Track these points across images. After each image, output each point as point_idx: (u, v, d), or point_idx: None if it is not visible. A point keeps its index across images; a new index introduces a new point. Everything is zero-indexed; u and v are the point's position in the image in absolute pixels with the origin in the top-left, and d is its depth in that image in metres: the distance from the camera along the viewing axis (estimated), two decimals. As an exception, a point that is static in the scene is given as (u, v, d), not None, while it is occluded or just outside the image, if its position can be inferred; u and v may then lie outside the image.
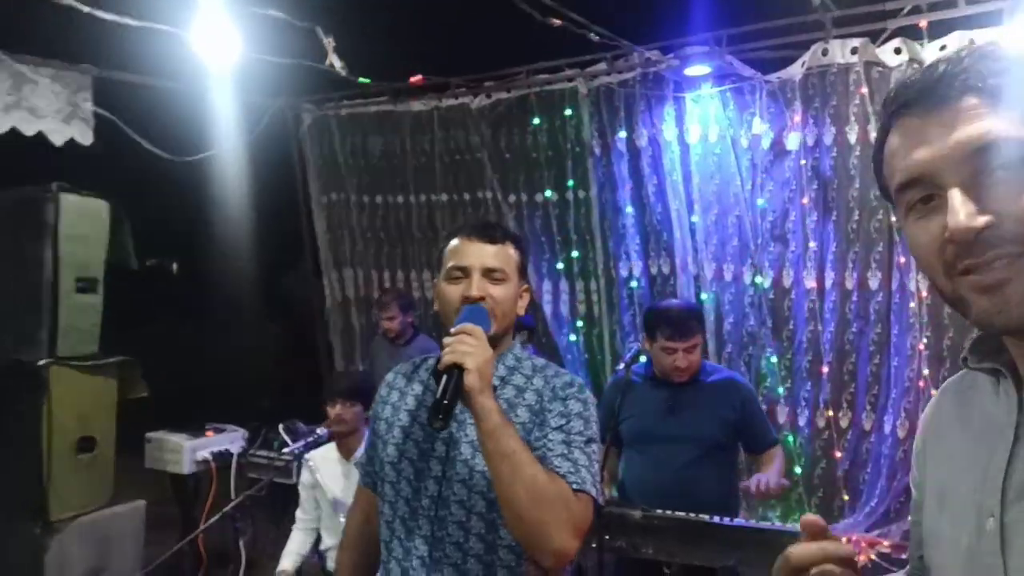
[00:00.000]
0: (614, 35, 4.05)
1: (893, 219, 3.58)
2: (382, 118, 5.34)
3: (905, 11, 3.58)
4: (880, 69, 3.72)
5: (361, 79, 4.59)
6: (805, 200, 3.99)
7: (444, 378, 1.47)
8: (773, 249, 4.12)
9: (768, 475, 2.79)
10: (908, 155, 0.80)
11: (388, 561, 1.71)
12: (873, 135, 0.84)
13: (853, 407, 3.99)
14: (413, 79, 5.04)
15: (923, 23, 3.54)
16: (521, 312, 1.79)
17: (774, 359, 4.12)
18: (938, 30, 3.52)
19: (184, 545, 3.69)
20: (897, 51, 3.65)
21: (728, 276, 4.25)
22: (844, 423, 4.00)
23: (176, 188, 5.31)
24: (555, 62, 4.61)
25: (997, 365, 0.85)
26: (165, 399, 4.09)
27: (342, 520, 2.89)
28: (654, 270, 4.55)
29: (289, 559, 3.43)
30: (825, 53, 3.82)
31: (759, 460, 3.12)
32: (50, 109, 4.10)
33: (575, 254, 4.79)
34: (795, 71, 3.92)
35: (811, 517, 0.84)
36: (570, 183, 4.73)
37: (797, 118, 3.96)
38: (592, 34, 3.94)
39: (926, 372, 3.69)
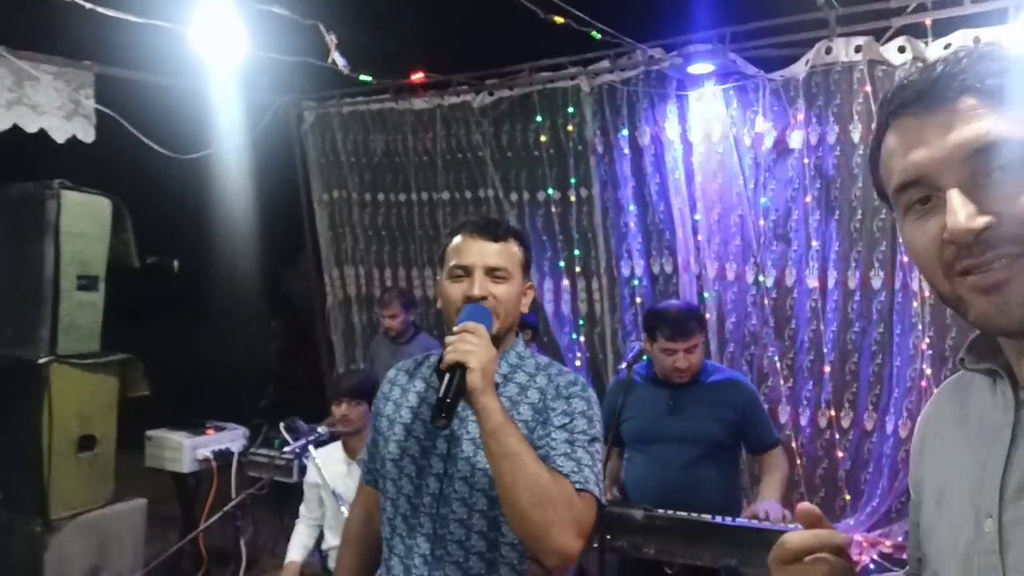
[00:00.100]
0: (617, 33, 4.04)
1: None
2: (384, 116, 5.33)
3: (909, 9, 3.57)
4: (884, 67, 3.71)
5: (363, 77, 4.58)
6: (808, 199, 3.98)
7: (447, 377, 1.46)
8: (776, 248, 4.11)
9: (770, 505, 2.76)
10: (906, 156, 0.80)
11: (390, 558, 1.70)
12: (877, 134, 0.84)
13: (855, 407, 3.98)
14: (415, 77, 5.03)
15: (927, 21, 3.53)
16: (525, 310, 1.78)
17: (776, 358, 4.11)
18: (943, 28, 3.50)
19: (184, 544, 3.69)
20: (901, 49, 3.63)
21: (730, 275, 4.24)
22: (846, 423, 3.99)
23: (177, 185, 5.30)
24: (558, 60, 4.60)
25: (994, 366, 0.85)
26: (166, 397, 4.08)
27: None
28: (656, 269, 4.54)
29: (297, 552, 3.42)
30: (829, 51, 3.81)
31: (760, 461, 3.12)
32: (52, 106, 4.10)
33: (577, 253, 4.78)
34: (799, 69, 3.90)
35: (807, 506, 0.86)
36: (572, 181, 4.72)
37: (800, 116, 3.94)
38: (595, 32, 3.93)
39: (928, 372, 3.68)
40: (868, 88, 3.73)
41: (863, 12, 3.70)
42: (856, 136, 3.81)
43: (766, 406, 3.52)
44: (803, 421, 4.08)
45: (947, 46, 3.44)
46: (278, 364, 7.84)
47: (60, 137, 4.12)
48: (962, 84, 0.77)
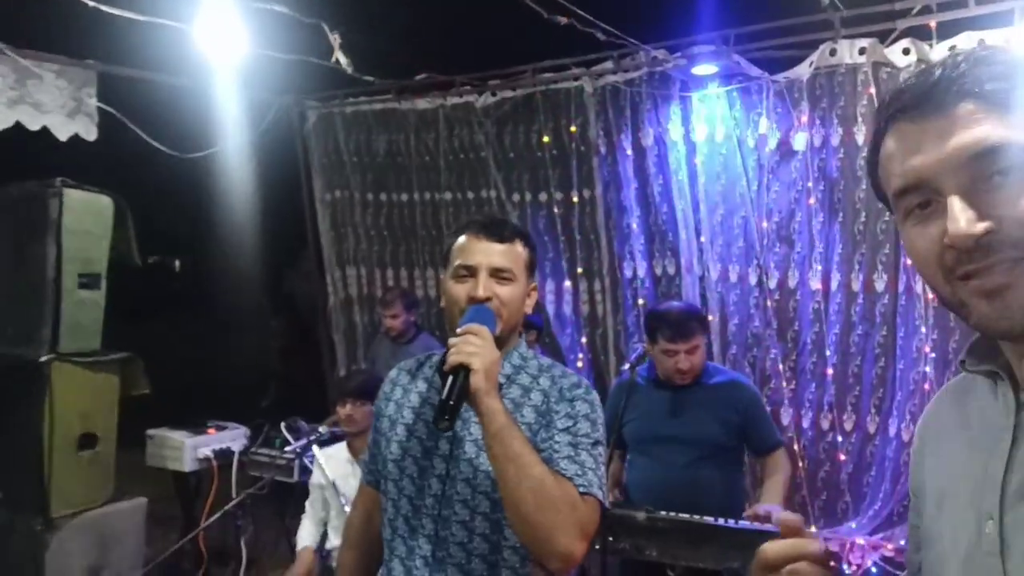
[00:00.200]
0: (621, 34, 4.03)
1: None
2: (387, 116, 5.33)
3: (914, 11, 3.55)
4: (888, 70, 3.70)
5: (366, 76, 4.58)
6: (811, 201, 3.97)
7: (450, 379, 1.45)
8: (779, 250, 4.10)
9: (772, 507, 2.75)
10: (905, 161, 0.80)
11: (391, 560, 1.69)
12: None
13: (858, 410, 3.96)
14: (418, 77, 5.02)
15: (932, 23, 3.51)
16: (529, 311, 1.77)
17: (779, 361, 4.09)
18: (948, 30, 3.49)
19: (185, 543, 3.69)
20: (906, 51, 3.62)
21: (733, 277, 4.22)
22: (848, 426, 3.98)
23: (180, 185, 5.31)
24: (561, 60, 4.59)
25: (995, 368, 0.85)
26: (167, 396, 4.08)
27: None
28: (659, 270, 4.53)
29: (307, 539, 3.41)
30: (833, 53, 3.79)
31: (763, 463, 3.11)
32: (54, 104, 4.09)
33: (579, 254, 4.77)
34: (803, 71, 3.89)
35: (786, 515, 0.86)
36: (575, 182, 4.71)
37: (804, 118, 3.93)
38: (598, 33, 3.92)
39: (932, 375, 3.67)
40: (872, 90, 3.71)
41: (868, 14, 3.69)
42: (860, 138, 3.80)
43: (768, 408, 3.52)
44: (805, 424, 4.07)
45: (952, 48, 3.43)
46: (279, 364, 7.84)
47: (62, 135, 4.12)
48: (960, 89, 0.77)
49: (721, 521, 2.57)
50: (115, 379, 3.57)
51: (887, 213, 3.71)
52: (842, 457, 3.97)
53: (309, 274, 6.05)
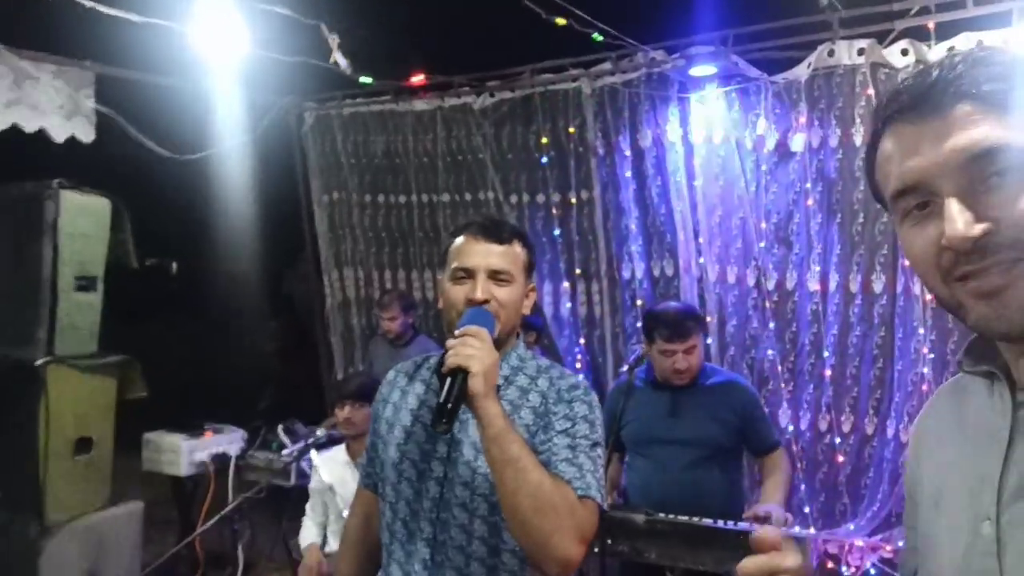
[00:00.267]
0: (619, 35, 4.03)
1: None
2: (384, 117, 5.32)
3: (913, 12, 3.55)
4: (887, 70, 3.70)
5: (364, 78, 4.57)
6: (810, 202, 3.97)
7: (448, 381, 1.44)
8: (777, 251, 4.09)
9: (771, 507, 2.75)
10: (903, 162, 0.80)
11: (389, 564, 1.68)
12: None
13: (856, 411, 3.96)
14: (416, 78, 5.01)
15: (930, 24, 3.51)
16: (527, 312, 1.76)
17: (777, 362, 4.09)
18: (946, 31, 3.49)
19: (181, 547, 3.67)
20: (904, 52, 3.62)
21: (731, 278, 4.22)
22: (846, 427, 3.97)
23: (177, 186, 5.28)
24: (559, 61, 4.59)
25: (992, 368, 0.86)
26: (164, 399, 4.06)
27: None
28: (657, 272, 4.52)
29: (311, 537, 3.39)
30: (831, 54, 3.79)
31: (762, 463, 3.11)
32: (52, 106, 4.08)
33: (577, 255, 4.76)
34: (801, 72, 3.89)
35: (760, 534, 0.86)
36: (573, 183, 4.70)
37: (802, 119, 3.93)
38: (597, 34, 3.91)
39: (930, 376, 3.66)
40: (871, 91, 3.71)
41: (866, 15, 3.68)
42: (858, 139, 3.80)
43: (766, 410, 3.51)
44: (803, 425, 4.06)
45: (950, 49, 3.43)
46: (277, 366, 7.82)
47: (59, 137, 4.10)
48: (958, 90, 0.77)
49: (720, 523, 2.56)
50: (112, 382, 3.55)
51: (885, 214, 3.71)
52: (840, 458, 3.96)
53: (307, 276, 6.04)
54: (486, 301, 1.63)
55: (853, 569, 3.69)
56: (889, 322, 3.83)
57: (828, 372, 3.97)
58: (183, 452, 4.17)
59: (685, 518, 2.61)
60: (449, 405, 1.41)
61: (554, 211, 4.80)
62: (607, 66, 4.44)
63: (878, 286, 3.84)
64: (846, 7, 3.66)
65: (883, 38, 3.67)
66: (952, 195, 0.76)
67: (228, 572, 3.95)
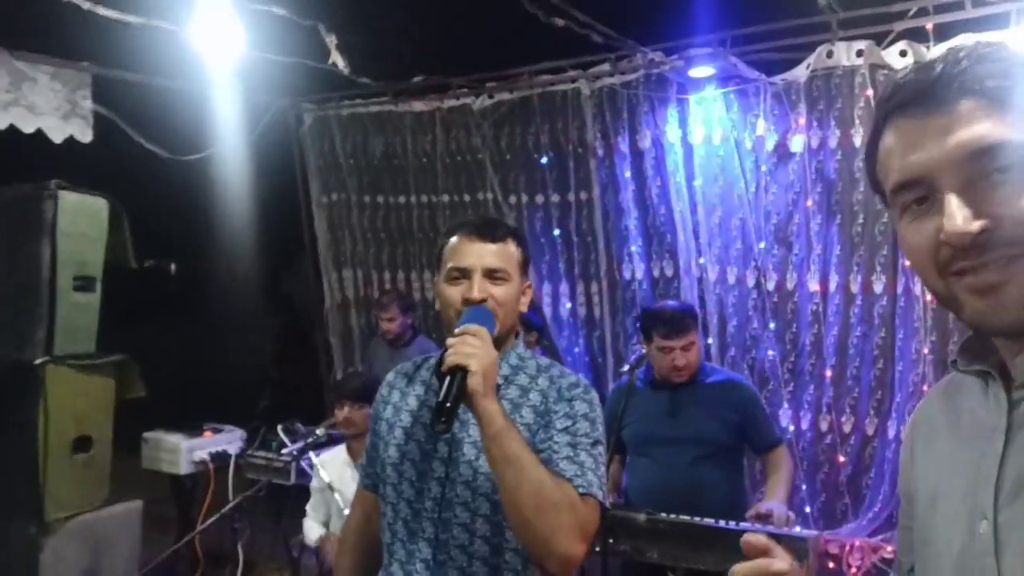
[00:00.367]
0: (618, 36, 4.03)
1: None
2: (383, 118, 5.31)
3: (911, 13, 3.55)
4: (885, 72, 3.70)
5: (362, 79, 4.57)
6: (809, 203, 3.97)
7: (447, 380, 1.44)
8: (777, 252, 4.10)
9: (774, 505, 2.76)
10: (904, 157, 0.80)
11: (390, 564, 1.68)
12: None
13: (856, 412, 3.96)
14: (415, 79, 5.01)
15: (929, 26, 3.51)
16: (524, 309, 1.76)
17: (777, 362, 4.09)
18: (944, 32, 3.49)
19: (181, 546, 3.66)
20: (903, 53, 3.62)
21: (731, 279, 4.22)
22: (847, 428, 3.97)
23: (175, 187, 5.28)
24: (558, 63, 4.58)
25: (986, 367, 0.86)
26: (163, 399, 4.06)
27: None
28: (656, 272, 4.52)
29: (319, 530, 3.38)
30: (830, 55, 3.79)
31: (765, 461, 3.12)
32: (49, 107, 4.07)
33: (576, 256, 4.76)
34: (800, 73, 3.89)
35: (750, 538, 0.87)
36: (572, 184, 4.70)
37: (802, 120, 3.93)
38: (595, 35, 3.91)
39: (931, 377, 3.66)
40: (869, 92, 3.71)
41: (865, 16, 3.68)
42: (858, 140, 3.80)
43: (767, 410, 3.51)
44: (804, 425, 4.06)
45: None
46: (276, 366, 7.82)
47: (57, 138, 4.10)
48: (961, 86, 0.77)
49: (722, 523, 2.56)
50: (110, 382, 3.54)
51: (885, 215, 3.73)
52: (841, 459, 3.96)
53: (306, 277, 6.04)
54: (483, 300, 1.63)
55: (854, 570, 3.69)
56: (890, 323, 3.83)
57: (829, 373, 3.97)
58: (183, 451, 4.17)
59: (687, 518, 2.61)
60: (448, 404, 1.41)
61: (553, 212, 4.80)
62: (606, 67, 4.44)
63: (878, 287, 3.84)
64: (845, 8, 3.66)
65: (882, 39, 3.67)
66: (952, 190, 0.76)
67: (228, 571, 3.95)
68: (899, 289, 3.77)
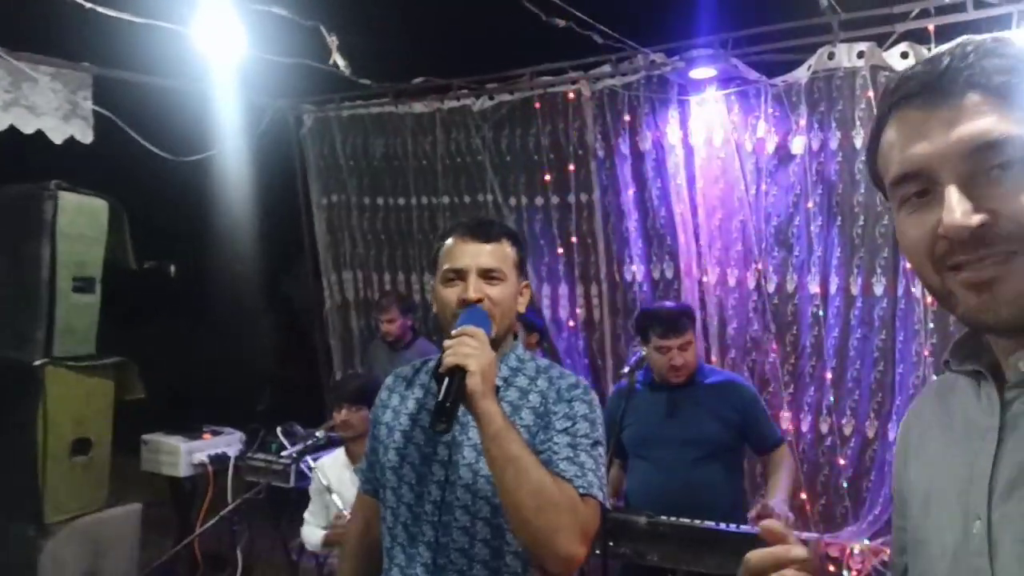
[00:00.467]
0: (618, 37, 4.02)
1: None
2: (383, 120, 5.31)
3: (913, 15, 3.55)
4: (887, 73, 3.69)
5: (363, 80, 4.56)
6: (810, 205, 3.96)
7: (446, 381, 1.43)
8: (777, 254, 4.09)
9: (773, 502, 2.76)
10: (906, 148, 0.80)
11: (390, 568, 1.67)
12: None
13: (857, 414, 3.95)
14: (415, 80, 5.01)
15: (931, 27, 3.51)
16: (522, 310, 1.76)
17: (778, 364, 4.08)
18: (946, 34, 3.49)
19: (180, 549, 3.65)
20: (904, 55, 3.62)
21: (732, 281, 4.21)
22: (848, 430, 3.96)
23: (175, 188, 5.27)
24: (559, 64, 4.58)
25: (979, 367, 0.86)
26: (162, 401, 4.05)
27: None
28: (657, 274, 4.52)
29: (319, 535, 3.36)
30: (831, 57, 3.79)
31: (766, 461, 3.12)
32: (49, 107, 4.07)
33: (576, 258, 4.76)
34: (801, 75, 3.89)
35: (768, 523, 0.86)
36: (572, 186, 4.70)
37: (802, 122, 3.93)
38: (596, 36, 3.91)
39: (931, 379, 3.65)
40: (871, 94, 3.71)
41: (866, 17, 3.68)
42: (859, 142, 3.79)
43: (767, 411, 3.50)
44: (804, 428, 4.05)
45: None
46: (275, 368, 7.81)
47: (57, 138, 4.09)
48: (968, 79, 0.77)
49: (723, 526, 2.55)
50: (110, 383, 3.53)
51: (886, 217, 3.73)
52: (841, 462, 3.95)
53: (305, 278, 6.03)
54: (479, 300, 1.62)
55: (855, 573, 3.68)
56: (890, 325, 3.82)
57: (829, 375, 3.96)
58: (182, 453, 4.16)
59: (687, 520, 2.61)
60: (447, 404, 1.40)
61: (553, 214, 4.80)
62: (607, 68, 4.44)
63: (879, 289, 3.84)
64: (846, 10, 3.65)
65: (883, 41, 3.66)
66: (953, 183, 0.76)
67: (227, 574, 3.94)
68: (900, 291, 3.77)
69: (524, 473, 1.42)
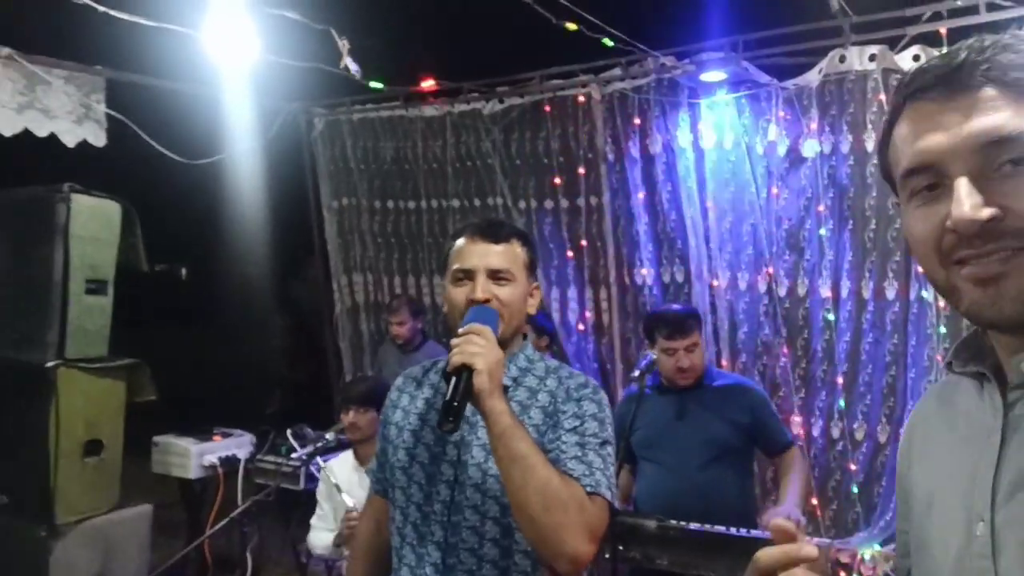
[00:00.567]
0: (629, 40, 4.02)
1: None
2: (394, 123, 5.33)
3: (925, 18, 3.53)
4: (898, 76, 3.66)
5: (373, 83, 4.58)
6: (821, 208, 3.95)
7: (453, 379, 1.44)
8: (788, 258, 4.07)
9: (785, 507, 2.74)
10: (918, 141, 0.80)
11: (400, 568, 1.67)
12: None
13: (868, 419, 3.93)
14: (425, 84, 5.02)
15: (943, 30, 3.50)
16: (532, 311, 1.76)
17: (788, 369, 4.06)
18: (958, 37, 3.45)
19: (190, 550, 3.66)
20: (916, 58, 3.60)
21: (743, 285, 4.20)
22: (859, 435, 3.94)
23: (187, 191, 5.30)
24: (569, 67, 4.58)
25: (981, 369, 0.85)
26: (173, 403, 4.06)
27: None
28: (667, 278, 4.51)
29: (327, 538, 3.35)
30: (842, 60, 3.77)
31: (778, 464, 3.11)
32: (63, 110, 4.10)
33: (586, 261, 4.75)
34: (812, 78, 3.87)
35: (779, 522, 0.85)
36: (582, 189, 4.69)
37: (814, 125, 3.91)
38: (607, 39, 3.91)
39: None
40: (882, 97, 3.69)
41: (877, 20, 3.67)
42: (870, 145, 3.77)
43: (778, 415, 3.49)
44: (815, 432, 4.03)
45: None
46: (286, 370, 7.83)
47: (71, 141, 4.12)
48: (984, 74, 0.77)
49: (734, 530, 2.54)
50: (121, 385, 3.55)
51: (898, 220, 3.70)
52: (853, 467, 3.93)
53: (316, 281, 6.05)
54: (487, 300, 1.62)
55: (865, 578, 3.66)
56: (902, 329, 3.80)
57: (840, 379, 3.94)
58: (192, 455, 4.18)
59: (697, 525, 2.60)
60: (455, 403, 1.41)
61: (563, 217, 4.79)
62: (617, 72, 4.43)
63: (890, 292, 3.81)
64: (857, 13, 3.64)
65: (895, 44, 3.65)
66: (963, 176, 0.76)
67: (236, 575, 3.94)
68: (912, 295, 3.74)
69: (531, 471, 1.42)
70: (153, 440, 4.35)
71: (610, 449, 1.61)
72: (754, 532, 2.56)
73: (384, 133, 5.38)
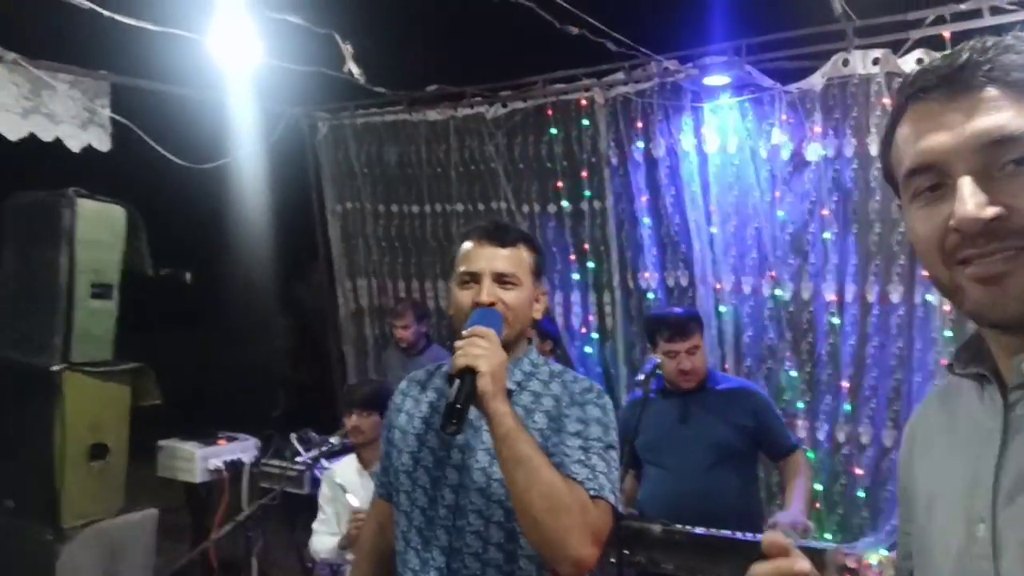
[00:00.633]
0: (632, 44, 4.02)
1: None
2: (397, 127, 5.33)
3: (928, 21, 3.53)
4: (902, 80, 3.67)
5: (377, 88, 4.59)
6: (825, 212, 3.94)
7: (457, 382, 1.44)
8: (792, 261, 4.07)
9: (790, 513, 2.74)
10: (921, 140, 0.80)
11: (404, 573, 1.67)
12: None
13: (874, 423, 3.92)
14: (429, 88, 5.03)
15: (946, 34, 3.49)
16: (538, 316, 1.76)
17: (793, 373, 4.06)
18: (961, 41, 3.43)
19: (195, 555, 3.66)
20: (919, 62, 3.59)
21: (747, 289, 4.19)
22: (865, 439, 3.93)
23: (192, 195, 5.31)
24: (572, 71, 4.59)
25: (982, 370, 0.85)
26: (178, 407, 4.07)
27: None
28: (671, 282, 4.50)
29: (331, 542, 3.34)
30: (846, 63, 3.77)
31: (782, 468, 3.11)
32: (68, 115, 4.11)
33: (590, 265, 4.75)
34: (815, 81, 3.87)
35: (771, 537, 0.85)
36: (586, 194, 4.70)
37: (817, 129, 3.91)
38: (610, 43, 3.91)
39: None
40: (886, 100, 3.69)
41: (881, 24, 3.67)
42: (874, 149, 3.77)
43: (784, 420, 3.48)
44: (821, 436, 4.02)
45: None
46: (290, 374, 7.83)
47: (75, 146, 4.14)
48: (988, 74, 0.77)
49: (739, 534, 2.54)
50: (126, 389, 3.56)
51: (902, 224, 3.70)
52: (859, 471, 3.92)
53: (320, 285, 6.05)
54: (492, 304, 1.62)
55: (871, 583, 3.64)
56: (907, 333, 3.79)
57: (846, 384, 3.93)
58: (197, 459, 4.18)
59: (702, 529, 2.59)
60: (458, 405, 1.41)
61: (567, 221, 4.80)
62: (620, 76, 4.43)
63: (895, 296, 3.80)
64: (861, 17, 3.64)
65: (898, 48, 3.64)
66: (966, 175, 0.76)
67: (241, 580, 3.94)
68: (917, 299, 3.74)
69: (534, 474, 1.42)
70: (158, 444, 4.35)
71: (614, 453, 1.61)
72: (759, 536, 2.55)
73: (388, 137, 5.39)
